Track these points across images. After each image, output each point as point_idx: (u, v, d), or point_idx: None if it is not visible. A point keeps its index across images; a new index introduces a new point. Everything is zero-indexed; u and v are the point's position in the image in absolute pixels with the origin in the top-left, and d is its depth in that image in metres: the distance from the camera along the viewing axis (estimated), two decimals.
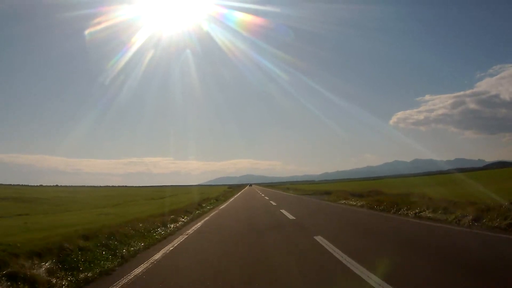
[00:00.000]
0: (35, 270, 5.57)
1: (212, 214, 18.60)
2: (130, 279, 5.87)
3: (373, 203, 18.33)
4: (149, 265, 6.86)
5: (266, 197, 36.17)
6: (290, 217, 15.04)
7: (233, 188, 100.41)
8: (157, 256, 7.72)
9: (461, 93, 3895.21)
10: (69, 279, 5.70)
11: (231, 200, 36.18)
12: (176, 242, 9.67)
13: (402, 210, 14.77)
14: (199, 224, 13.77)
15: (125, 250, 8.02)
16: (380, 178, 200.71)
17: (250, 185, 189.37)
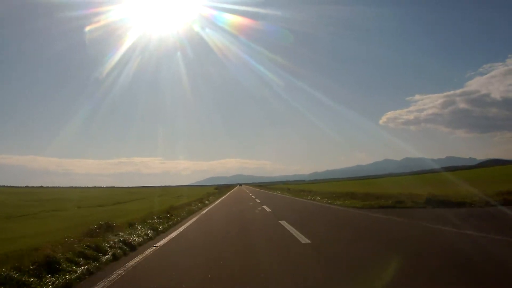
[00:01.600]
0: None
1: None
2: None
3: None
4: None
5: (290, 228, 10.72)
6: None
7: (220, 189, 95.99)
8: None
9: (451, 92, 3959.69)
10: None
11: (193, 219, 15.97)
12: None
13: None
14: None
15: None
16: (369, 177, 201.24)
17: (240, 185, 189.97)
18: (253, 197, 36.99)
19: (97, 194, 75.01)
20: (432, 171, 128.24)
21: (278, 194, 45.25)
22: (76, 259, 6.65)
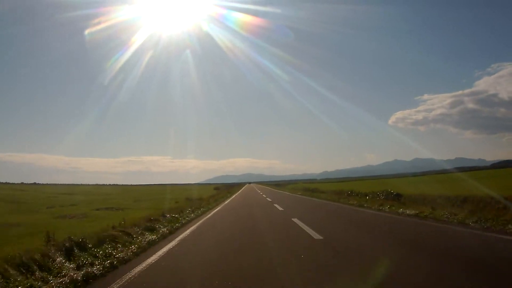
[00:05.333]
0: None
1: None
2: None
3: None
4: None
5: None
6: None
7: (220, 190, 75.04)
8: None
9: (460, 92, 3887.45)
10: None
11: None
12: None
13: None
14: None
15: None
16: (379, 177, 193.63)
17: (250, 183, 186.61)
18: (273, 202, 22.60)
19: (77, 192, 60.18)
20: (435, 172, 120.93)
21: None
22: None
